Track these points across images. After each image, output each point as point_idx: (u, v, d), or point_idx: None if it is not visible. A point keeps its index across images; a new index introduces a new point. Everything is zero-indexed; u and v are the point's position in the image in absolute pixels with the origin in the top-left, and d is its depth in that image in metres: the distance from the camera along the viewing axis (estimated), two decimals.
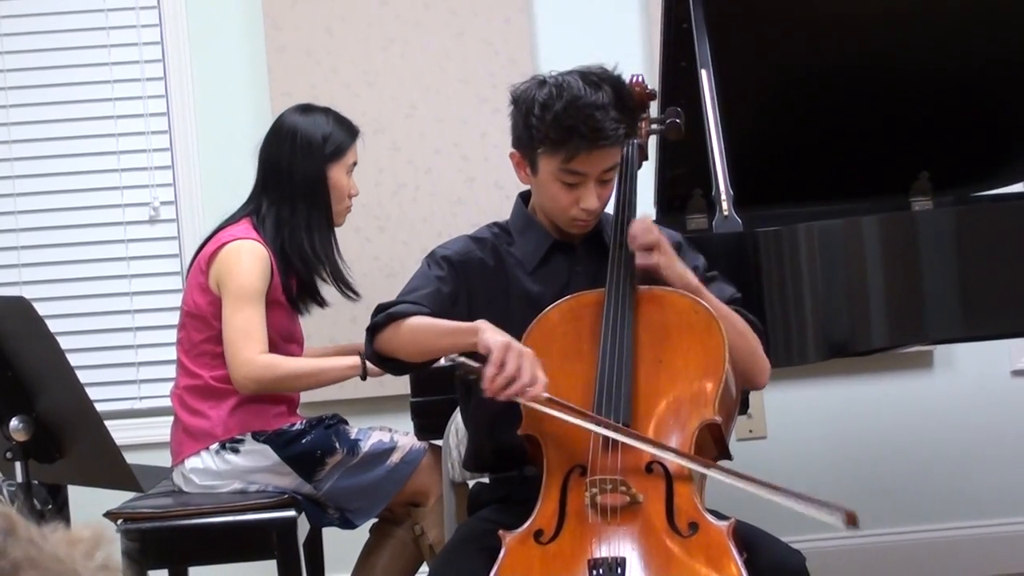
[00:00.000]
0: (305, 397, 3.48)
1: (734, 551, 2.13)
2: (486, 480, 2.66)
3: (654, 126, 2.67)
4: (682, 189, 3.32)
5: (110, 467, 2.77)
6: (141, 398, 4.09)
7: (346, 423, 3.28)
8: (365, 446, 3.21)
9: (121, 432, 3.11)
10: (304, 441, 3.18)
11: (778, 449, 4.09)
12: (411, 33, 4.05)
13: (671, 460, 2.24)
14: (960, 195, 3.50)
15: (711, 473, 2.23)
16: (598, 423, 2.24)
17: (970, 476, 4.13)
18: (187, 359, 3.25)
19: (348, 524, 3.24)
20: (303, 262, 3.26)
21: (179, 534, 3.11)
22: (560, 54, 3.90)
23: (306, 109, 3.35)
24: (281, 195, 3.27)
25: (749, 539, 2.25)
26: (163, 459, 3.38)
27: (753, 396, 3.42)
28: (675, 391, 2.35)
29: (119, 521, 3.09)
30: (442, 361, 2.46)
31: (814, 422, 4.13)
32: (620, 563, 2.10)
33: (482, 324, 2.30)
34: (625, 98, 2.42)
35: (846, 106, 3.31)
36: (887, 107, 3.33)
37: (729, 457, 2.39)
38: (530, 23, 4.09)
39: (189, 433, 3.21)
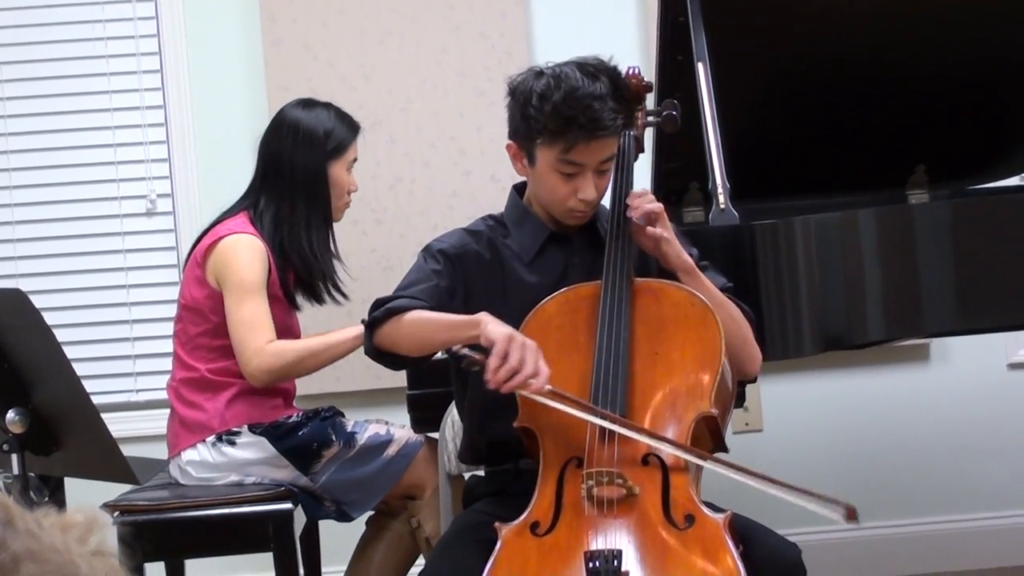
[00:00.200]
0: (301, 389, 3.48)
1: (730, 543, 2.13)
2: (482, 473, 2.66)
3: (650, 118, 2.67)
4: (678, 182, 3.32)
5: (106, 459, 2.76)
6: (137, 391, 4.08)
7: (342, 416, 3.28)
8: (361, 439, 3.21)
9: (117, 425, 3.12)
10: (300, 433, 3.18)
11: (774, 442, 4.08)
12: (408, 27, 4.04)
13: (669, 452, 2.25)
14: (956, 188, 3.50)
15: (708, 465, 2.23)
16: (600, 415, 2.24)
17: (966, 469, 4.13)
18: (183, 352, 3.25)
19: (344, 517, 3.24)
20: (301, 260, 3.26)
21: (175, 526, 3.11)
22: (556, 48, 3.85)
23: (307, 104, 3.34)
24: (281, 191, 3.27)
25: (745, 531, 2.26)
26: (159, 451, 3.38)
27: (749, 389, 3.42)
28: (671, 383, 2.35)
29: (116, 513, 3.09)
30: (441, 354, 2.46)
31: (810, 415, 4.13)
32: (616, 555, 2.10)
33: (484, 316, 2.29)
34: (622, 88, 2.43)
35: (843, 99, 3.31)
36: (884, 101, 3.33)
37: (725, 450, 2.39)
38: (526, 17, 4.08)
39: (185, 425, 3.21)
